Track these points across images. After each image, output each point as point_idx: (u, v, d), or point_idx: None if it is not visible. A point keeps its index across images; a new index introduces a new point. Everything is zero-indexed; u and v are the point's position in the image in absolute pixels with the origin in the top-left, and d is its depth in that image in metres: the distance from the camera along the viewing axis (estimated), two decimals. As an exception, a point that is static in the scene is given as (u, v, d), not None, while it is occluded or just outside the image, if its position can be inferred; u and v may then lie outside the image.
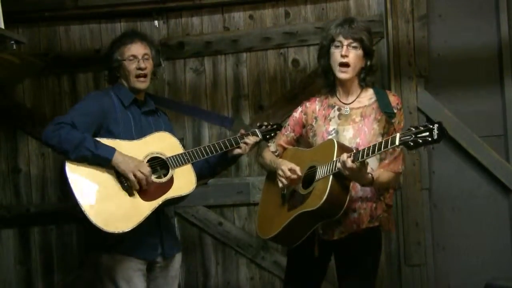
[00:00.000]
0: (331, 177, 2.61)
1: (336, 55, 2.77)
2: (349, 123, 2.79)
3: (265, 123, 3.18)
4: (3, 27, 2.97)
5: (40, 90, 4.10)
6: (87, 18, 4.05)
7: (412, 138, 2.36)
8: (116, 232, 2.69)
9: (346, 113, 2.82)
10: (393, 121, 2.72)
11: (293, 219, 2.73)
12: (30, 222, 4.08)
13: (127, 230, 2.71)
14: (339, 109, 2.83)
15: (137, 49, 2.98)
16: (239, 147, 3.05)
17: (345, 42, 2.74)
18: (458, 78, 3.95)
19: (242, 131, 3.12)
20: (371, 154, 2.50)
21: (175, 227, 3.91)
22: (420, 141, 2.34)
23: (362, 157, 2.52)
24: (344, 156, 2.54)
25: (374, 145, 2.50)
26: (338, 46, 2.76)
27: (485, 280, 3.60)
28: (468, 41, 3.94)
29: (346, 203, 2.62)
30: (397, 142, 2.40)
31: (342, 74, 2.77)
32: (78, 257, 4.07)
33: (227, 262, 4.06)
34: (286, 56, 4.02)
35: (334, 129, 2.81)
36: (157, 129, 3.02)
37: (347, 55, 2.73)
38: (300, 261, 2.90)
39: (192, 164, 2.97)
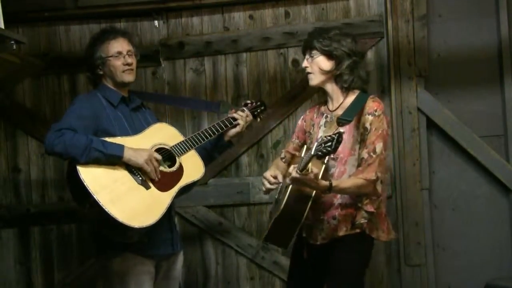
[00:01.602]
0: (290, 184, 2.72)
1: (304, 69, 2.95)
2: (332, 130, 2.82)
3: (248, 102, 3.22)
4: (3, 27, 2.97)
5: (40, 90, 4.10)
6: (87, 18, 4.05)
7: (320, 148, 2.50)
8: (143, 226, 2.66)
9: (331, 120, 2.88)
10: (367, 126, 2.75)
11: (273, 223, 2.82)
12: (30, 222, 4.08)
13: (153, 222, 2.70)
14: (326, 117, 2.92)
15: (121, 45, 2.94)
16: (235, 126, 3.08)
17: (306, 55, 2.90)
18: (458, 78, 3.95)
19: (233, 110, 3.15)
20: (306, 164, 2.60)
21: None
22: (324, 150, 2.49)
23: (301, 166, 2.61)
24: (291, 167, 2.66)
25: (307, 156, 2.62)
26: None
27: (485, 280, 3.60)
28: (468, 41, 3.94)
29: (307, 210, 2.70)
30: (313, 152, 2.53)
31: (309, 82, 2.92)
32: (78, 257, 4.07)
33: (227, 262, 4.06)
34: (286, 56, 4.02)
35: (321, 136, 2.83)
36: (148, 123, 3.01)
37: (307, 65, 2.89)
38: (297, 263, 2.99)
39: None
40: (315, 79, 2.88)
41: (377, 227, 2.82)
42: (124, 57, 2.93)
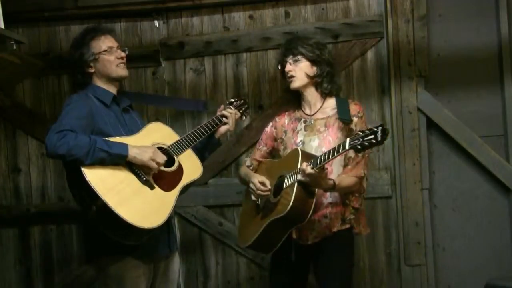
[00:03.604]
0: (296, 184, 2.76)
1: (286, 72, 3.06)
2: (315, 133, 2.97)
3: (232, 100, 3.28)
4: (3, 27, 2.98)
5: (40, 90, 4.11)
6: (87, 18, 4.04)
7: (359, 142, 2.56)
8: (152, 227, 2.65)
9: (311, 124, 3.00)
10: (352, 127, 2.89)
11: (266, 227, 2.87)
12: (30, 222, 4.08)
13: (161, 222, 2.70)
14: (304, 121, 3.03)
15: (111, 41, 2.94)
16: (225, 124, 3.12)
17: (288, 59, 3.03)
18: (458, 78, 3.95)
19: (222, 107, 3.18)
20: (327, 159, 2.68)
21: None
22: (366, 143, 2.55)
23: (320, 163, 2.69)
24: (304, 164, 2.72)
25: (329, 151, 2.68)
26: (285, 66, 3.05)
27: (485, 280, 3.60)
28: (468, 41, 3.94)
29: (312, 208, 2.77)
30: (347, 147, 2.61)
31: (291, 84, 3.03)
32: (78, 257, 4.07)
33: (227, 262, 4.06)
34: (286, 56, 4.01)
35: (301, 140, 3.00)
36: (136, 124, 2.99)
37: (290, 69, 3.01)
38: (280, 266, 3.06)
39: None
40: (297, 82, 3.01)
41: (359, 222, 2.99)
42: (116, 51, 2.92)
